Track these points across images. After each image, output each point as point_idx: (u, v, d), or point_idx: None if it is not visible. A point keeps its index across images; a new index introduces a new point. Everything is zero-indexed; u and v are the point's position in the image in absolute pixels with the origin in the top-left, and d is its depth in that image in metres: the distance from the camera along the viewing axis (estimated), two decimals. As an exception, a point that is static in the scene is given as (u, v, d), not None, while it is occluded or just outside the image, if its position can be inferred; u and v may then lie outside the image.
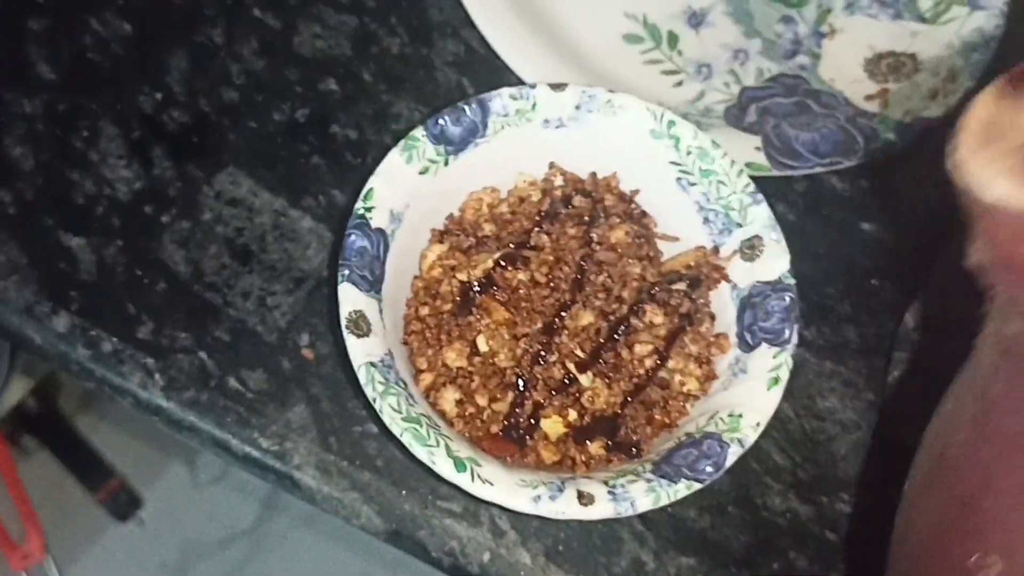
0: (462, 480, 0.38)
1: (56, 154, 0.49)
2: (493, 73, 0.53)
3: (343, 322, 0.40)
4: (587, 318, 0.43)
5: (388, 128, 0.52)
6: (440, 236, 0.46)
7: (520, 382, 0.43)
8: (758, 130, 0.52)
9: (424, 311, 0.44)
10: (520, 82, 0.52)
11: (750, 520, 0.46)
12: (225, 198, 0.49)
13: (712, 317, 0.45)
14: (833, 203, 0.53)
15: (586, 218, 0.46)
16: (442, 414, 0.42)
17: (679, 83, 0.54)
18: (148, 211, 0.48)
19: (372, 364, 0.39)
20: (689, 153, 0.45)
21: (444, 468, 0.38)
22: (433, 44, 0.54)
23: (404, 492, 0.45)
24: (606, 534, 0.45)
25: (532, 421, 0.42)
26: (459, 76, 0.53)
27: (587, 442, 0.42)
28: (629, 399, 0.43)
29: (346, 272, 0.41)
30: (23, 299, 0.46)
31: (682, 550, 0.45)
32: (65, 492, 1.36)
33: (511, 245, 0.45)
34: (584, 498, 0.38)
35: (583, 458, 0.42)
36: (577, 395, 0.43)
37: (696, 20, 0.56)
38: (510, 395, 0.43)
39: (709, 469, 0.39)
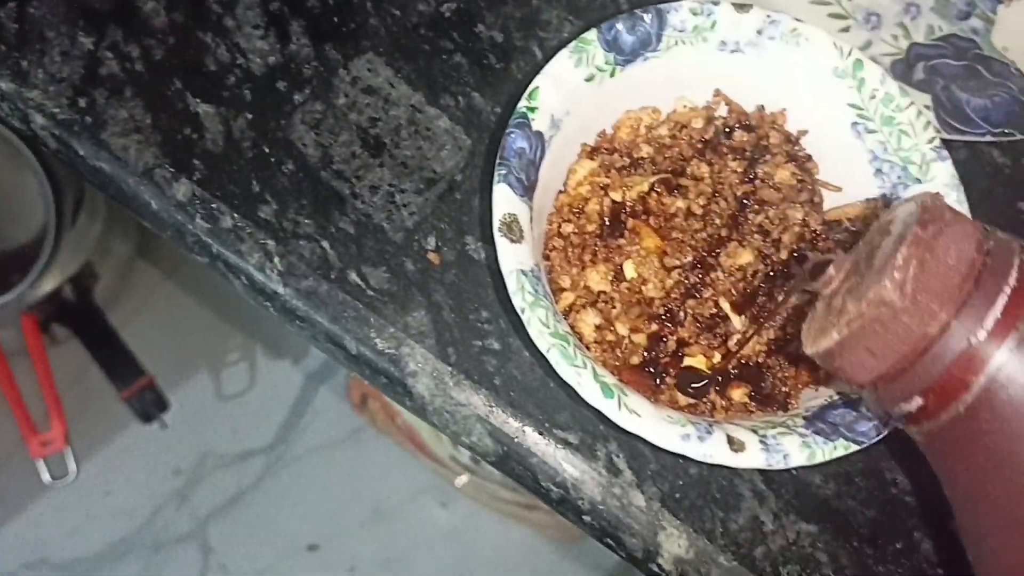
0: (608, 406, 0.35)
1: (191, 14, 0.46)
2: (650, -8, 0.50)
3: (496, 224, 0.37)
4: (746, 257, 0.40)
5: (535, 34, 0.49)
6: (591, 152, 0.43)
7: (666, 315, 0.40)
8: (926, 88, 0.48)
9: (568, 228, 0.42)
10: (680, 4, 0.49)
11: (878, 495, 0.43)
12: (361, 85, 0.46)
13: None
14: (992, 176, 0.50)
15: (747, 153, 0.43)
16: (579, 338, 0.40)
17: (846, 28, 0.51)
18: (281, 88, 0.46)
19: (523, 272, 0.37)
20: (873, 97, 0.42)
21: (590, 391, 0.35)
22: (592, -48, 0.51)
23: (520, 415, 0.42)
24: (726, 488, 0.43)
25: (673, 358, 0.40)
26: (615, -10, 0.50)
27: (729, 388, 0.40)
28: (776, 350, 0.41)
29: (503, 172, 0.38)
30: (143, 161, 0.43)
31: (804, 515, 0.43)
32: (89, 385, 1.35)
33: (668, 171, 0.42)
34: (735, 444, 0.36)
35: (723, 403, 0.40)
36: (725, 337, 0.40)
37: (870, -35, 0.52)
38: (653, 327, 0.40)
39: (869, 431, 0.37)
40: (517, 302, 0.36)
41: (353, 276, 0.43)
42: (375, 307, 0.43)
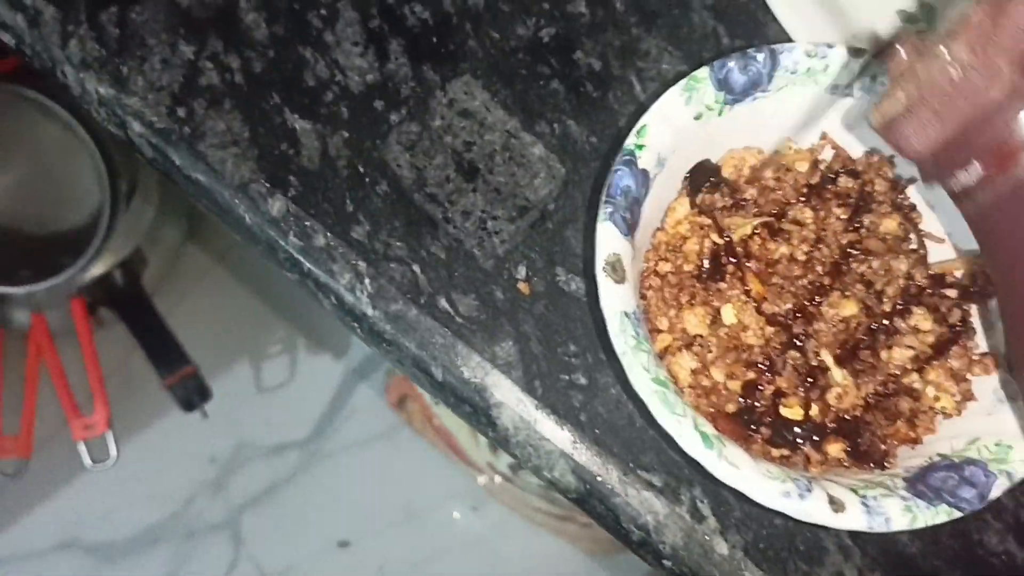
0: (707, 458, 0.35)
1: (291, 28, 0.46)
2: (752, 24, 0.49)
3: (599, 264, 0.37)
4: (850, 309, 0.39)
5: (633, 64, 0.48)
6: (692, 191, 0.42)
7: (765, 363, 0.39)
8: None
9: (665, 267, 0.41)
10: (782, 35, 0.48)
11: (963, 555, 0.42)
12: (458, 107, 0.46)
13: (974, 332, 0.41)
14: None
15: (852, 200, 0.42)
16: (674, 380, 0.39)
17: (950, 73, 0.49)
18: (378, 107, 0.45)
19: (626, 315, 0.36)
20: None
21: (689, 441, 0.35)
22: (693, -17, 0.50)
23: (605, 454, 0.42)
24: (810, 541, 0.42)
25: (768, 407, 0.39)
26: (716, 22, 0.49)
27: (826, 442, 0.39)
28: (874, 405, 0.40)
29: (609, 210, 0.37)
30: (239, 175, 0.43)
31: (888, 573, 0.42)
32: (132, 370, 1.36)
33: (771, 214, 0.41)
34: (835, 504, 0.35)
35: (818, 458, 0.39)
36: (824, 389, 0.39)
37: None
38: (750, 374, 0.39)
39: (973, 498, 0.36)
40: (619, 345, 0.36)
41: (442, 302, 0.43)
42: (463, 335, 0.42)
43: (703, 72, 0.40)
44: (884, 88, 0.36)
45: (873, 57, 0.37)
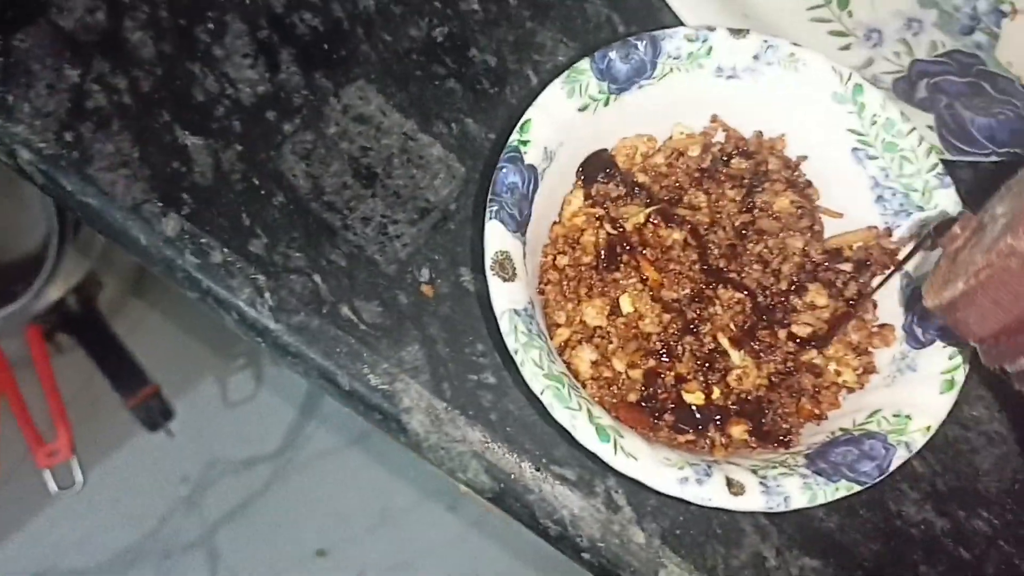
0: (603, 450, 0.35)
1: (179, 45, 0.45)
2: (645, 11, 0.49)
3: (487, 263, 0.36)
4: (743, 290, 0.39)
5: (529, 58, 0.48)
6: (585, 181, 0.42)
7: (663, 350, 0.39)
8: (929, 107, 0.47)
9: (563, 261, 0.41)
10: (677, 22, 0.48)
11: (882, 527, 0.43)
12: (352, 113, 0.45)
13: (875, 304, 0.41)
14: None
15: (745, 181, 0.42)
16: (575, 374, 0.39)
17: (846, 47, 0.50)
18: (271, 118, 0.45)
19: (516, 312, 0.36)
20: (873, 123, 0.41)
21: (585, 435, 0.35)
22: (586, -28, 0.50)
23: (517, 451, 0.41)
24: (727, 523, 0.42)
25: (671, 394, 0.39)
26: (609, 11, 0.49)
27: (729, 424, 0.39)
28: (776, 384, 0.40)
29: (495, 208, 0.37)
30: (131, 196, 0.43)
31: (807, 550, 0.42)
32: (95, 394, 1.35)
33: (665, 200, 0.41)
34: (734, 486, 0.35)
35: (723, 440, 0.39)
36: (724, 372, 0.39)
37: (871, -20, 0.51)
38: (650, 362, 0.39)
39: (871, 471, 0.36)
40: (510, 343, 0.35)
41: (345, 310, 0.42)
42: (368, 342, 0.42)
43: (584, 64, 0.40)
44: (936, 264, 0.35)
45: (931, 234, 0.36)
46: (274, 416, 1.40)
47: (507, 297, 0.36)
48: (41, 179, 0.43)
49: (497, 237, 0.37)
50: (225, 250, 0.42)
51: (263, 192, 0.44)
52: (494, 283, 0.36)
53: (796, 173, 0.43)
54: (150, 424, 1.32)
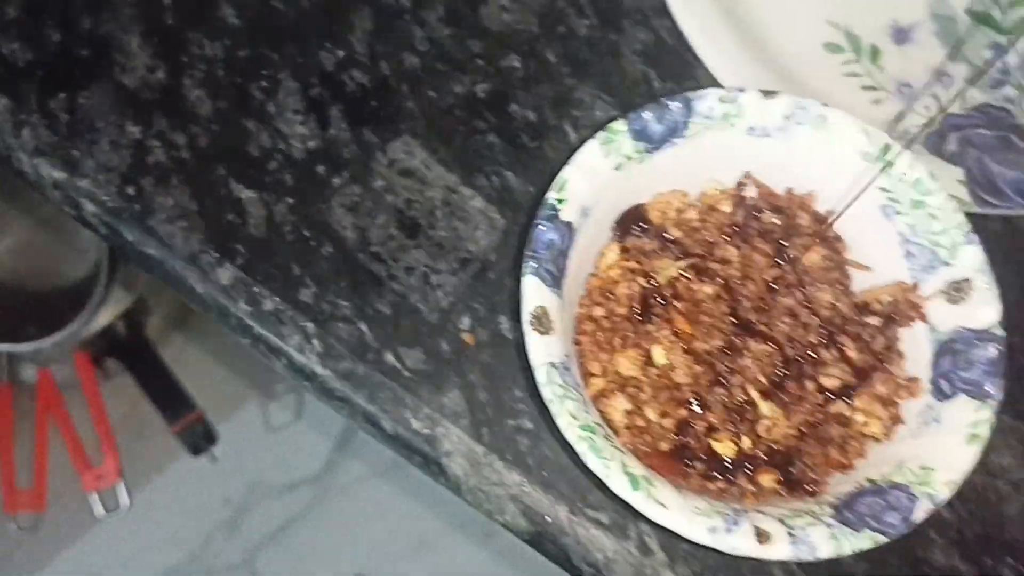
0: (635, 499, 0.36)
1: (234, 102, 0.48)
2: (682, 68, 0.51)
3: (525, 317, 0.38)
4: (773, 342, 0.41)
5: (568, 113, 0.50)
6: (621, 236, 0.44)
7: (695, 401, 0.41)
8: (959, 162, 0.49)
9: (598, 312, 0.42)
10: (712, 80, 0.50)
11: (908, 573, 0.43)
12: (398, 168, 0.48)
13: (901, 357, 0.42)
14: (1029, 248, 0.49)
15: (776, 235, 0.43)
16: (609, 422, 0.41)
17: (877, 101, 0.51)
18: (321, 171, 0.47)
19: (552, 365, 0.38)
20: (901, 181, 0.42)
21: (618, 484, 0.36)
22: (623, 30, 0.51)
23: (553, 495, 0.43)
24: (757, 568, 0.43)
25: (702, 443, 0.40)
26: (646, 67, 0.51)
27: (758, 473, 0.40)
28: (805, 433, 0.41)
29: (533, 265, 0.39)
30: (189, 247, 0.45)
31: (835, 595, 0.43)
32: (140, 418, 1.38)
33: (697, 255, 0.43)
34: (761, 536, 0.36)
35: (752, 489, 0.40)
36: (753, 422, 0.40)
37: (901, 36, 0.52)
38: (682, 412, 0.41)
39: (896, 523, 0.37)
40: (546, 395, 0.37)
41: (389, 357, 0.44)
42: (411, 388, 0.44)
43: (620, 124, 0.41)
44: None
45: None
46: (314, 441, 1.42)
47: (544, 350, 0.38)
48: (104, 230, 0.46)
49: (535, 292, 0.39)
50: (276, 298, 0.45)
51: (312, 243, 0.46)
52: (531, 337, 0.38)
53: (826, 228, 0.44)
54: (194, 448, 1.35)
